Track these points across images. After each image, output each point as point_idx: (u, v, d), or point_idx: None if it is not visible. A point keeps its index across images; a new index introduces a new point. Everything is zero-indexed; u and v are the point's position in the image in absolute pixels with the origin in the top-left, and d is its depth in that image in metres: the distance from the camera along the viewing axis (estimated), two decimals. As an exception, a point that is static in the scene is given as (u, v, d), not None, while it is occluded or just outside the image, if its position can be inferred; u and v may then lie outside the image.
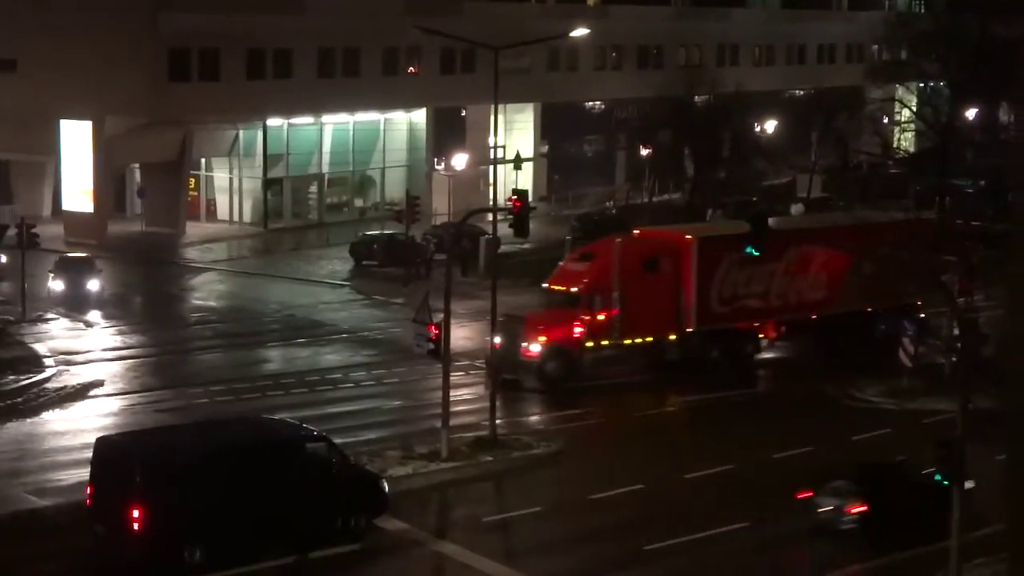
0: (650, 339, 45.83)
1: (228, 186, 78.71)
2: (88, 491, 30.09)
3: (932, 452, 27.68)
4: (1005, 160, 65.09)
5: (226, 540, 29.15)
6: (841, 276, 48.80)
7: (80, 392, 43.61)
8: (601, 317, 44.78)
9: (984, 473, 29.04)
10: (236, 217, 78.29)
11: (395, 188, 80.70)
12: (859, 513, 31.22)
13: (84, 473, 31.17)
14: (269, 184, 77.50)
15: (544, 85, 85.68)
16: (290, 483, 29.93)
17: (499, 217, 42.59)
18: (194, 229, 75.82)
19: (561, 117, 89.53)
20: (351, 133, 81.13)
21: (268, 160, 76.93)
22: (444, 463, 36.35)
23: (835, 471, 32.23)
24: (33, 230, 54.31)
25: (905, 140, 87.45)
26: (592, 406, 43.07)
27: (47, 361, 47.04)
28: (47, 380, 44.68)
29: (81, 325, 53.64)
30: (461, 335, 47.78)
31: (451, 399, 37.65)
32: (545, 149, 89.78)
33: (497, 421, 38.41)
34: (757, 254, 41.98)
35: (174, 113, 72.21)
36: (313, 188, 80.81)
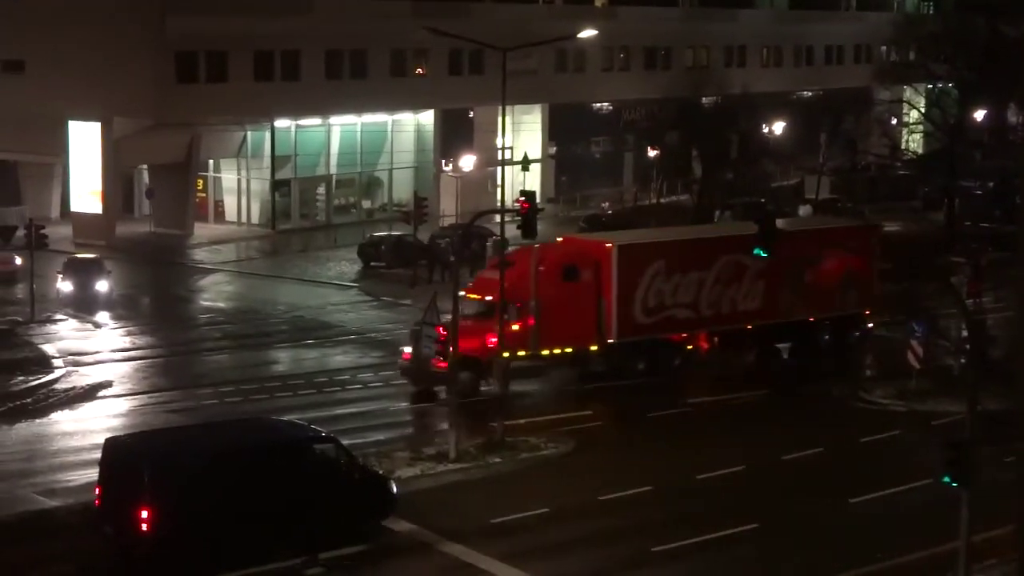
0: (569, 350, 44.07)
1: (236, 187, 78.82)
2: (97, 492, 30.11)
3: (941, 454, 27.60)
4: (1014, 161, 65.13)
5: (234, 541, 29.12)
6: (779, 285, 46.89)
7: (89, 393, 43.67)
8: (516, 327, 42.62)
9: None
10: (244, 218, 78.43)
11: (403, 189, 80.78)
12: None
13: (93, 474, 31.24)
14: (277, 185, 77.60)
15: (552, 86, 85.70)
16: (298, 484, 29.93)
17: (507, 218, 42.51)
18: (202, 230, 75.95)
19: (569, 118, 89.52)
20: (359, 134, 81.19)
21: (276, 161, 77.01)
22: (452, 464, 36.37)
23: None
24: (42, 231, 54.46)
25: (913, 141, 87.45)
26: (601, 407, 43.03)
27: (56, 362, 47.13)
28: (56, 381, 44.76)
29: (90, 326, 53.73)
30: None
31: (458, 401, 37.68)
32: (553, 150, 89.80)
33: (505, 422, 38.40)
34: (765, 255, 41.80)
35: (182, 114, 72.30)
36: (321, 189, 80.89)
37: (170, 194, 75.35)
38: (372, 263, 66.64)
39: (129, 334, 52.68)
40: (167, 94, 71.45)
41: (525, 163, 79.82)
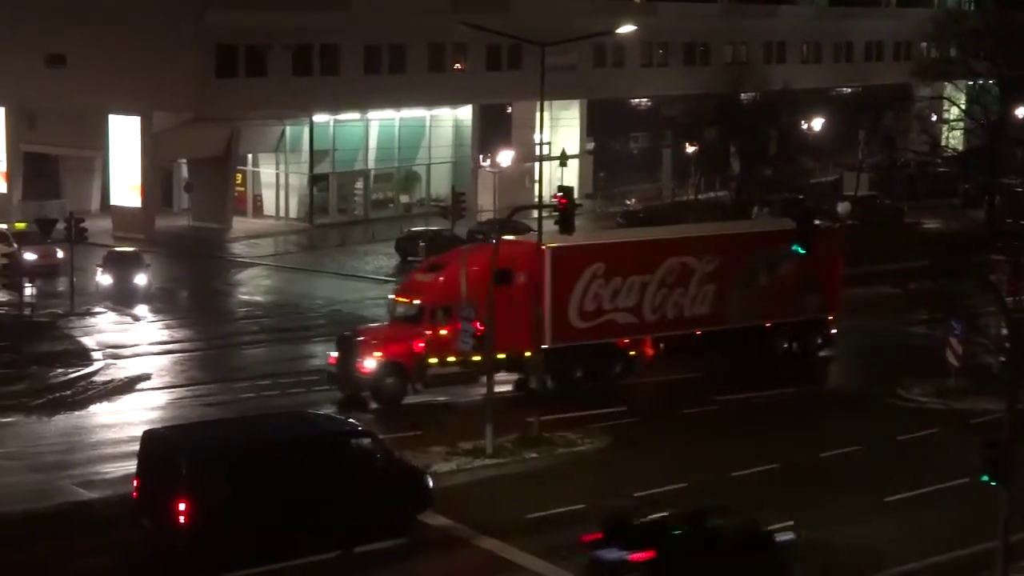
0: (502, 356, 41.05)
1: (274, 182, 79.09)
2: (135, 484, 30.27)
3: (979, 453, 27.46)
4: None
5: (271, 534, 29.23)
6: (729, 289, 45.38)
7: (127, 385, 43.87)
8: (444, 332, 41.21)
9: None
10: (282, 212, 78.69)
11: (440, 184, 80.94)
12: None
13: (131, 466, 31.40)
14: (315, 180, 77.81)
15: (590, 82, 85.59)
16: (335, 478, 30.02)
17: (544, 214, 42.50)
18: (240, 224, 76.24)
19: (607, 114, 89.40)
20: (397, 129, 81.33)
21: (314, 156, 77.24)
22: (489, 459, 36.44)
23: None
24: (82, 224, 54.74)
25: (954, 138, 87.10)
26: (635, 403, 42.95)
27: (95, 354, 47.38)
28: (95, 373, 45.00)
29: (129, 319, 54.01)
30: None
31: (496, 395, 37.70)
32: (591, 146, 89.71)
33: (542, 418, 38.40)
34: (803, 252, 41.45)
35: (221, 109, 72.60)
36: (359, 184, 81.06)
37: (209, 188, 75.72)
38: (409, 257, 66.74)
39: (167, 327, 52.93)
40: (207, 88, 71.76)
41: (563, 159, 79.77)
